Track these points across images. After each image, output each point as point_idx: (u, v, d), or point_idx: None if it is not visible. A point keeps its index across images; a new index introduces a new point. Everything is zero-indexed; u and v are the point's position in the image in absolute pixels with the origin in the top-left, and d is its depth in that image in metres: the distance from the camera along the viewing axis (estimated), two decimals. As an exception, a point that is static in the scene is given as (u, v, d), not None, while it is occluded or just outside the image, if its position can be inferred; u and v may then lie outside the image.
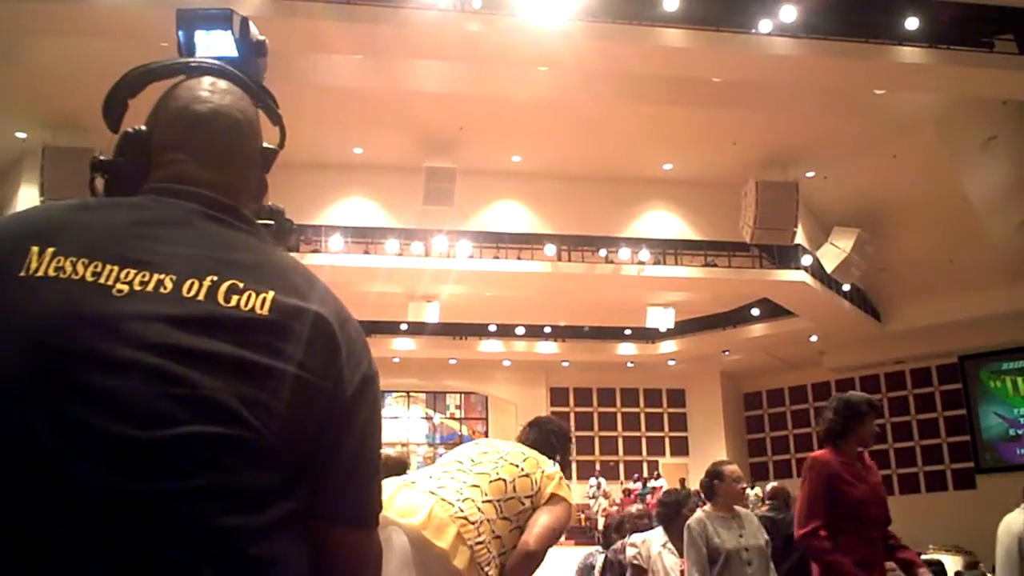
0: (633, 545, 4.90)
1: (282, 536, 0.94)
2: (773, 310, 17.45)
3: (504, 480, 2.37)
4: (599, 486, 18.72)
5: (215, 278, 0.97)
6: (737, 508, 4.20)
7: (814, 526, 3.50)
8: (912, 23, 11.18)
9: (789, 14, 10.96)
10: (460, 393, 22.12)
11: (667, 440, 21.62)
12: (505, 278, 15.38)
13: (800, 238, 15.06)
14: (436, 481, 2.33)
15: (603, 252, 15.51)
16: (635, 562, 4.81)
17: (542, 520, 2.36)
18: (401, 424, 21.56)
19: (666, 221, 16.68)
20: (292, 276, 1.03)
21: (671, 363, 20.45)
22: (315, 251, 14.26)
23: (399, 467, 3.66)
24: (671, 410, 21.78)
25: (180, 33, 1.23)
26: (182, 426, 0.89)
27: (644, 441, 21.54)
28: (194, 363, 0.92)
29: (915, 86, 12.39)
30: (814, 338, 18.23)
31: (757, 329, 18.35)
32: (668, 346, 19.68)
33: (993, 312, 16.21)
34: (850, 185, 15.49)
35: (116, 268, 0.95)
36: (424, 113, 13.70)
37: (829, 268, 15.14)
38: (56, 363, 0.89)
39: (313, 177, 13.89)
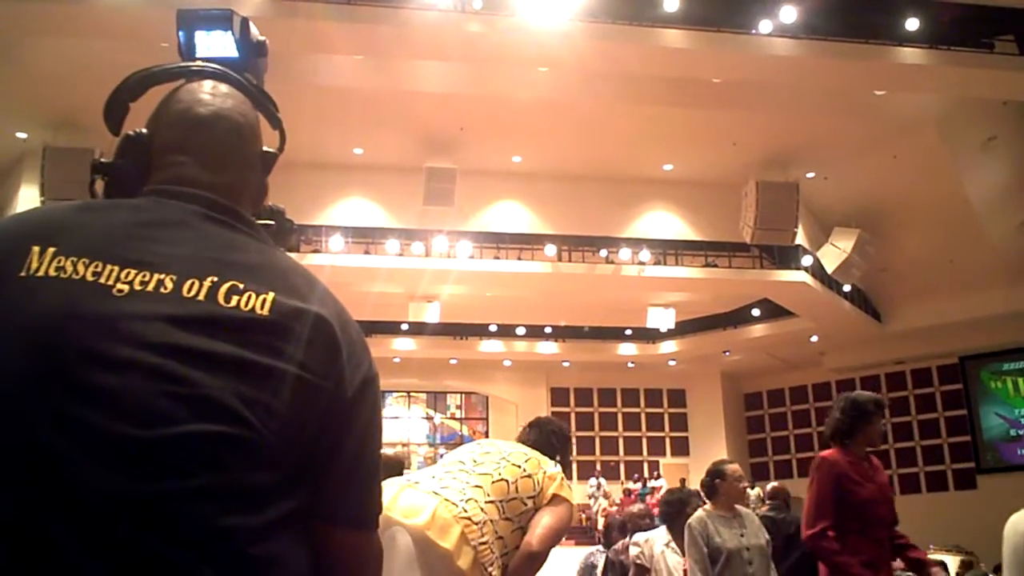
0: (636, 544, 4.90)
1: (282, 536, 0.94)
2: (773, 310, 17.44)
3: (507, 481, 2.37)
4: (599, 486, 18.71)
5: (215, 279, 0.97)
6: (738, 507, 4.19)
7: (822, 527, 3.47)
8: (912, 24, 11.16)
9: (789, 15, 10.94)
10: (461, 393, 22.10)
11: (668, 440, 21.61)
12: (505, 278, 15.37)
13: (800, 238, 15.04)
14: (439, 481, 2.34)
15: (603, 252, 15.50)
16: (638, 561, 4.81)
17: (544, 521, 2.37)
18: (402, 424, 21.56)
19: (666, 221, 16.67)
20: (292, 278, 1.03)
21: (672, 363, 20.43)
22: (315, 251, 14.25)
23: (396, 467, 3.66)
24: (672, 410, 21.77)
25: (180, 33, 1.23)
26: (182, 425, 0.89)
27: (645, 441, 21.53)
28: (194, 363, 0.92)
29: (915, 87, 12.37)
30: (815, 338, 18.22)
31: (758, 329, 18.33)
32: (669, 346, 19.65)
33: (993, 312, 16.21)
34: (850, 185, 15.47)
35: (116, 268, 0.95)
36: (424, 113, 13.69)
37: (829, 268, 15.13)
38: (57, 362, 0.89)
39: (313, 177, 13.86)
